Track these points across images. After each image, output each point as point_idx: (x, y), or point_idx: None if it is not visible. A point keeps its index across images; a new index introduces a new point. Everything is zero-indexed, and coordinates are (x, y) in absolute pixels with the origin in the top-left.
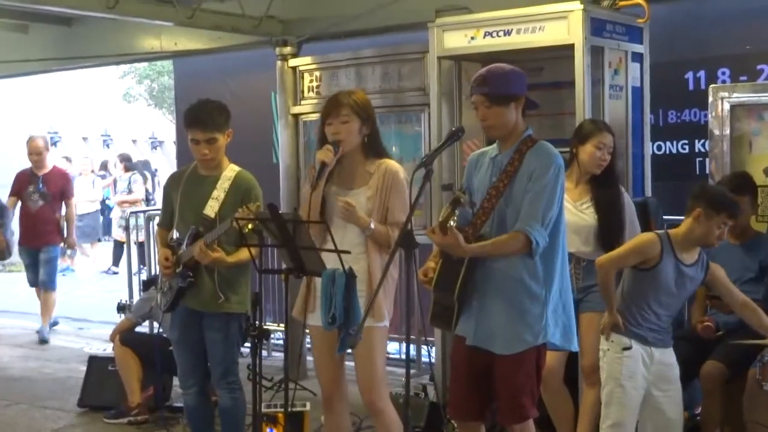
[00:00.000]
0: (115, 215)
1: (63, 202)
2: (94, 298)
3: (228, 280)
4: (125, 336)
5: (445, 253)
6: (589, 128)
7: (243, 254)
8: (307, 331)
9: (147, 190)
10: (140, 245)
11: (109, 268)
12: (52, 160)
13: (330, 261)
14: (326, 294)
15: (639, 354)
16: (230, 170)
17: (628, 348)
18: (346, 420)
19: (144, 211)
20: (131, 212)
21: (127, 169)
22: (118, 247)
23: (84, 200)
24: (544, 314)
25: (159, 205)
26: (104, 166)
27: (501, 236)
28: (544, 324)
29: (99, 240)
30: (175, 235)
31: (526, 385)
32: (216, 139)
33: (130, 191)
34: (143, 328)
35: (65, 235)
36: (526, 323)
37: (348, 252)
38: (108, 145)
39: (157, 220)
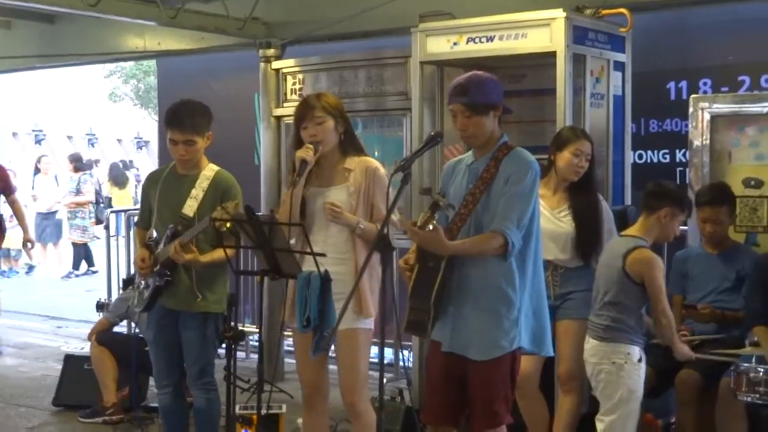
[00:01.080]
0: (64, 217)
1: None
2: (72, 298)
3: (205, 279)
4: (101, 336)
5: (421, 259)
6: (567, 135)
7: (218, 254)
8: (289, 333)
9: (97, 192)
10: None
11: (71, 272)
12: None
13: (311, 264)
14: (301, 296)
15: (644, 359)
16: (209, 170)
17: (640, 360)
18: (326, 420)
19: (125, 211)
20: (111, 211)
21: (76, 170)
22: (77, 249)
23: (48, 199)
24: (519, 319)
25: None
26: (89, 166)
27: (479, 235)
28: (519, 329)
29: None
30: (153, 234)
31: (501, 391)
32: (194, 142)
33: (78, 192)
34: (122, 328)
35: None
36: (502, 329)
37: (324, 254)
38: (93, 144)
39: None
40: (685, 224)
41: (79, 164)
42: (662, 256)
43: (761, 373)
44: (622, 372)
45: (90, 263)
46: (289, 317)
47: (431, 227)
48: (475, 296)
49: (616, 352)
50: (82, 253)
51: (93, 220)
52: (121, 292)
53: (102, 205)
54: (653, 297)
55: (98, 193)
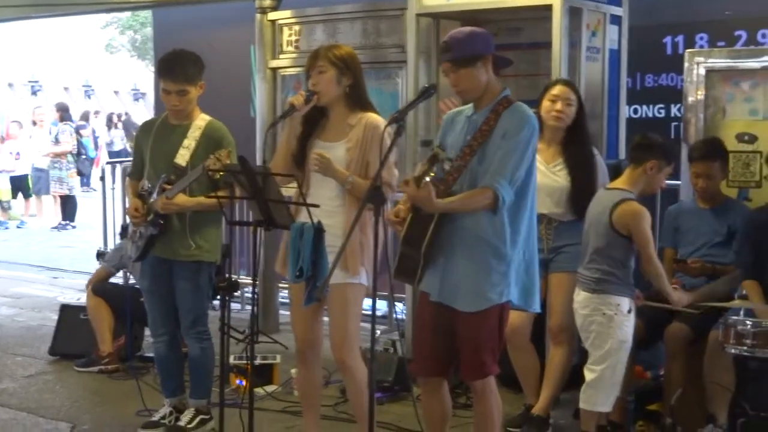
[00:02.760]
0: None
1: None
2: (68, 250)
3: (198, 228)
4: (97, 286)
5: (416, 207)
6: (545, 84)
7: (208, 199)
8: (285, 285)
9: (80, 143)
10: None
11: (63, 223)
12: None
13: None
14: (294, 247)
15: (634, 310)
16: (201, 119)
17: (630, 311)
18: (319, 373)
19: (120, 162)
20: (107, 162)
21: (62, 120)
22: (67, 200)
23: (40, 152)
24: (509, 273)
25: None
26: (85, 117)
27: (469, 191)
28: (508, 282)
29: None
30: (146, 184)
31: (489, 343)
32: (187, 91)
33: (57, 141)
34: (118, 279)
35: None
36: (490, 281)
37: (317, 206)
38: (89, 96)
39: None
40: (678, 179)
41: (65, 114)
42: (655, 210)
43: (749, 326)
44: (612, 323)
45: (70, 218)
46: (282, 267)
47: (428, 179)
48: (466, 248)
49: (606, 304)
50: (67, 206)
51: (72, 171)
52: (117, 241)
53: (84, 156)
54: (640, 248)
55: (81, 144)
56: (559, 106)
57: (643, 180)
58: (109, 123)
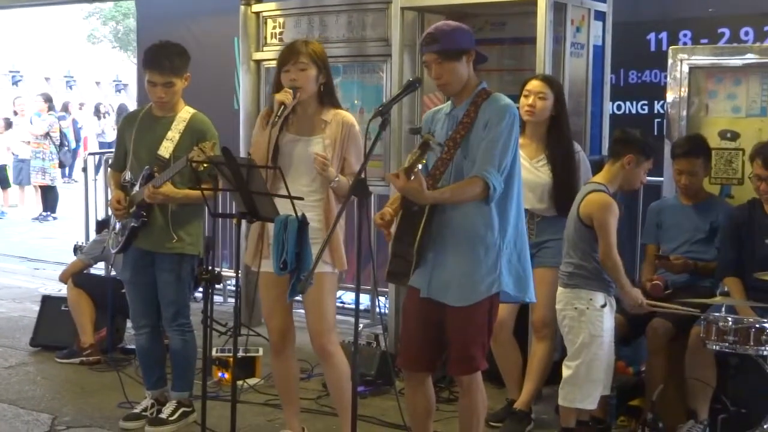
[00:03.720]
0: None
1: None
2: (49, 241)
3: (181, 221)
4: (78, 278)
5: (405, 205)
6: (524, 80)
7: (194, 191)
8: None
9: (62, 134)
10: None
11: (44, 214)
12: None
13: (286, 208)
14: (278, 240)
15: (610, 306)
16: (185, 112)
17: (604, 305)
18: (295, 364)
19: (101, 153)
20: (89, 153)
21: (50, 110)
22: (49, 191)
23: (20, 142)
24: (498, 263)
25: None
26: (65, 108)
27: (459, 182)
28: (498, 273)
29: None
30: (128, 176)
31: (478, 337)
32: (173, 83)
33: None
34: (99, 270)
35: None
36: (480, 274)
37: (301, 198)
38: (71, 87)
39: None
40: (661, 175)
41: (51, 104)
42: (637, 206)
43: (730, 323)
44: (583, 317)
45: (52, 209)
46: (251, 259)
47: (419, 168)
48: (455, 242)
49: (578, 298)
50: (48, 196)
51: (54, 162)
52: (95, 234)
53: (66, 147)
54: (600, 238)
55: (64, 135)
56: (530, 100)
57: (621, 175)
58: (97, 113)
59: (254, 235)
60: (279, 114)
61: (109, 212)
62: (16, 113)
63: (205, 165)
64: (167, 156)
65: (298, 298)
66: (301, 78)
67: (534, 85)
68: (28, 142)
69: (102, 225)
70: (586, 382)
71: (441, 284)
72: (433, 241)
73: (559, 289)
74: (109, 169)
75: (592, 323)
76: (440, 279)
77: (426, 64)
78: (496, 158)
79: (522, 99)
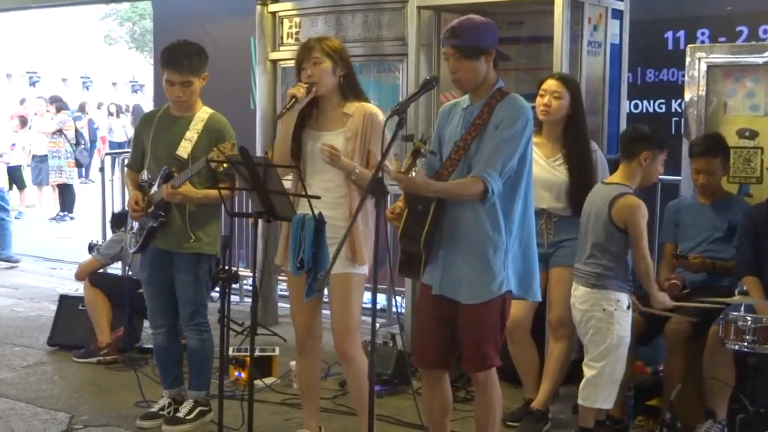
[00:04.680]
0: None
1: None
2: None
3: (198, 220)
4: (95, 277)
5: (410, 203)
6: (540, 79)
7: (212, 191)
8: (283, 277)
9: (78, 133)
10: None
11: (61, 214)
12: None
13: (306, 207)
14: (295, 239)
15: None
16: (203, 112)
17: (629, 307)
18: (318, 364)
19: (119, 153)
20: (106, 153)
21: (58, 110)
22: (66, 191)
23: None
24: (506, 263)
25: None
26: (81, 108)
27: (460, 179)
28: (506, 272)
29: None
30: (146, 176)
31: (491, 334)
32: (191, 83)
33: (54, 132)
34: (116, 270)
35: None
36: (490, 273)
37: (318, 197)
38: (87, 87)
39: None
40: (679, 174)
41: (60, 104)
42: (655, 205)
43: (749, 322)
44: (612, 319)
45: (69, 209)
46: (282, 260)
47: (414, 173)
48: (464, 240)
49: (606, 299)
50: (65, 196)
51: (70, 161)
52: (109, 233)
53: (83, 146)
54: (635, 242)
55: (79, 134)
56: (546, 100)
57: (639, 172)
58: (109, 112)
59: (282, 236)
60: (288, 107)
61: (126, 207)
62: (35, 113)
63: (224, 166)
64: (185, 156)
65: (325, 299)
66: (316, 72)
67: (549, 84)
68: (45, 134)
69: (118, 218)
70: (609, 383)
71: (452, 282)
72: (442, 239)
73: (581, 288)
74: (125, 169)
75: (620, 324)
76: (451, 276)
77: (444, 56)
78: (500, 161)
79: (538, 98)
